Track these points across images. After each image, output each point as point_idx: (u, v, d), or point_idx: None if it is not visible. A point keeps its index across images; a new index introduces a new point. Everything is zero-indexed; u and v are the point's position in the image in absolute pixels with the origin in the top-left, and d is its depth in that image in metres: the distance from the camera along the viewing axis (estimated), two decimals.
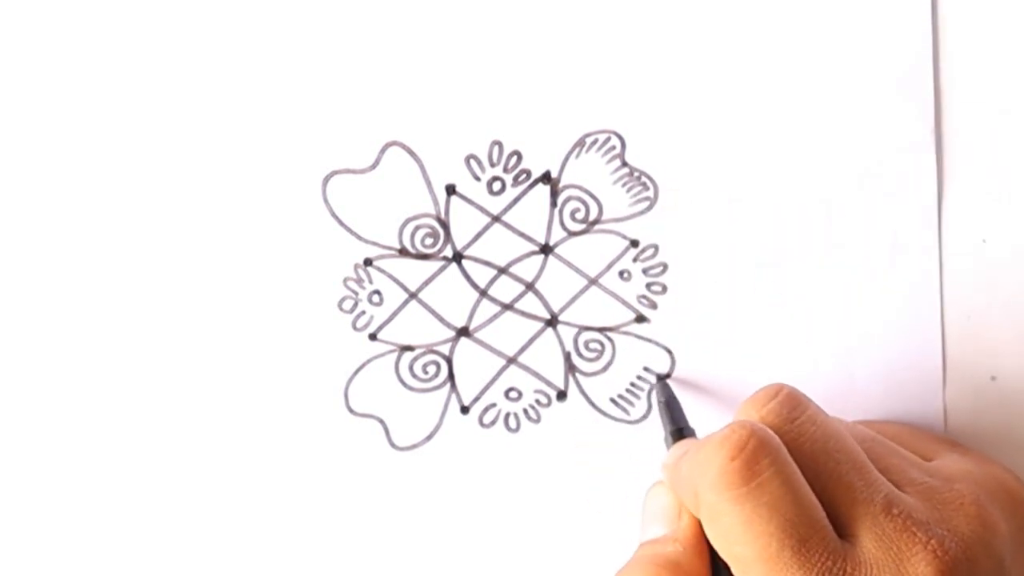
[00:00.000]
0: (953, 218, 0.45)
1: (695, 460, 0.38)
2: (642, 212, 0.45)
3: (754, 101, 0.45)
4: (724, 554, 0.37)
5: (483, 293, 0.46)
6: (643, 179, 0.45)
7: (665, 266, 0.45)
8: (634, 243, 0.45)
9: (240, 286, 0.46)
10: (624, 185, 0.45)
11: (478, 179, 0.45)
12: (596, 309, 0.46)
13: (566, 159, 0.45)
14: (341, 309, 0.46)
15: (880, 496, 0.38)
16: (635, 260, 0.46)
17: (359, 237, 0.46)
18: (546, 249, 0.46)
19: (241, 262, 0.46)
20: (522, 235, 0.46)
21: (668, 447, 0.42)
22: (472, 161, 0.45)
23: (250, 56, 0.45)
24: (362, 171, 0.45)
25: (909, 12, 0.44)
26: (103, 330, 0.46)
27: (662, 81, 0.45)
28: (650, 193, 0.45)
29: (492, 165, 0.45)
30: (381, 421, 0.46)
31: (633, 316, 0.46)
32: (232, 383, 0.46)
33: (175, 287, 0.46)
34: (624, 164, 0.45)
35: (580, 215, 0.45)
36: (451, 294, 0.46)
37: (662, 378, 0.46)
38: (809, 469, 0.37)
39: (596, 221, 0.46)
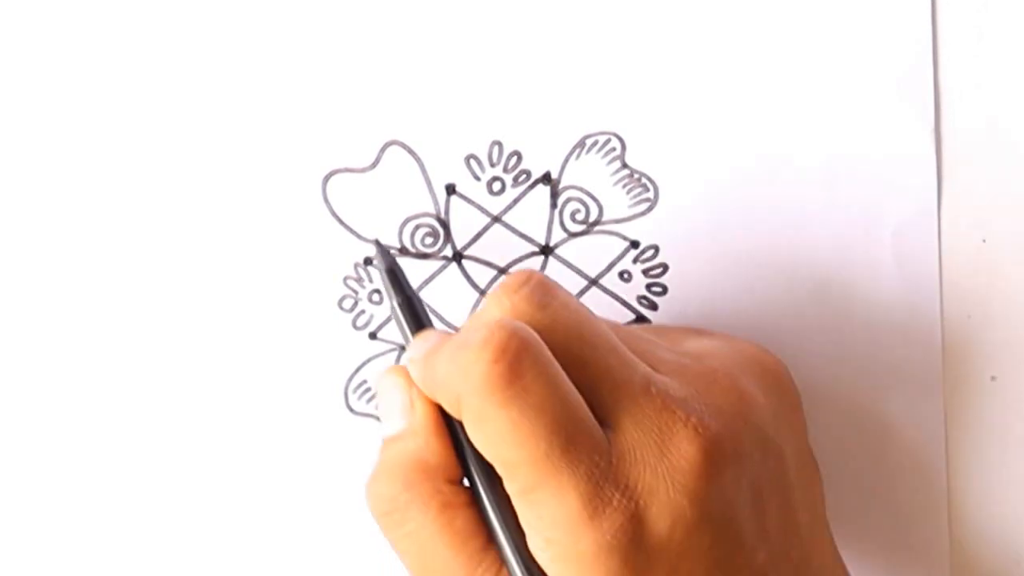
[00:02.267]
0: (953, 218, 0.45)
1: (454, 363, 0.36)
2: (642, 213, 0.45)
3: (754, 102, 0.45)
4: (490, 457, 0.36)
5: (483, 293, 0.46)
6: (643, 181, 0.45)
7: (665, 267, 0.45)
8: (634, 244, 0.46)
9: (240, 285, 0.46)
10: (624, 187, 0.45)
11: (478, 179, 0.45)
12: (596, 310, 0.45)
13: (566, 160, 0.45)
14: (341, 308, 0.46)
15: (638, 376, 0.37)
16: (635, 261, 0.46)
17: (359, 236, 0.46)
18: (546, 250, 0.46)
19: (241, 261, 0.46)
20: (522, 236, 0.46)
21: (398, 319, 0.41)
22: (472, 161, 0.45)
23: (250, 56, 0.45)
24: (362, 170, 0.45)
25: (909, 12, 0.44)
26: (101, 328, 0.46)
27: (662, 82, 0.45)
28: (650, 195, 0.45)
29: (492, 165, 0.45)
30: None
31: (633, 317, 0.46)
32: (232, 382, 0.46)
33: (175, 286, 0.46)
34: (624, 166, 0.45)
35: (580, 216, 0.46)
36: (451, 294, 0.46)
37: (379, 243, 0.44)
38: (565, 356, 0.36)
39: (596, 222, 0.46)
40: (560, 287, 0.38)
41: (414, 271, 0.46)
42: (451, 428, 0.38)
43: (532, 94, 0.45)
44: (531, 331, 0.36)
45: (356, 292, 0.46)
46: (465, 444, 0.38)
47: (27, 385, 0.46)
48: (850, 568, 0.42)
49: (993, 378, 0.46)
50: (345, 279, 0.46)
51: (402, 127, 0.45)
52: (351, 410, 0.46)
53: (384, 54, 0.45)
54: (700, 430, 0.36)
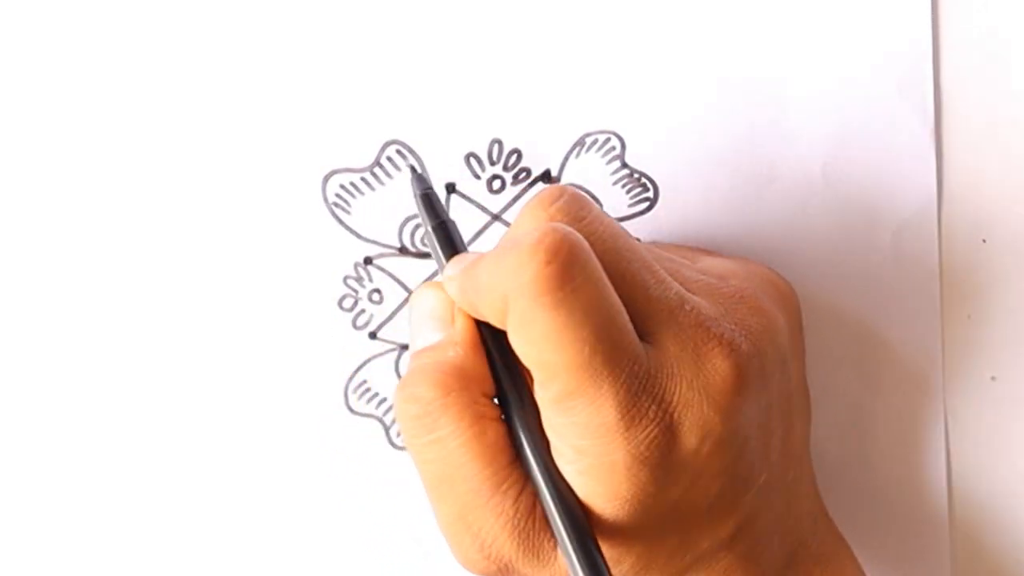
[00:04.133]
0: (953, 218, 0.45)
1: (502, 266, 0.35)
2: (642, 213, 0.45)
3: (754, 102, 0.45)
4: (530, 361, 0.36)
5: None
6: (643, 180, 0.45)
7: None
8: None
9: (240, 285, 0.46)
10: (624, 186, 0.45)
11: (478, 177, 0.45)
12: None
13: (566, 159, 0.45)
14: (341, 308, 0.46)
15: (672, 293, 0.37)
16: None
17: (359, 236, 0.46)
18: None
19: (241, 261, 0.46)
20: None
21: (433, 243, 0.40)
22: (472, 159, 0.45)
23: (250, 56, 0.45)
24: (362, 170, 0.46)
25: (909, 12, 0.45)
26: (101, 328, 0.46)
27: (662, 82, 0.45)
28: (650, 194, 0.45)
29: (492, 163, 0.45)
30: (381, 420, 0.46)
31: None
32: (232, 382, 0.46)
33: (175, 286, 0.46)
34: (624, 166, 0.45)
35: None
36: None
37: (414, 170, 0.44)
38: (604, 269, 0.36)
39: None
40: (594, 203, 0.38)
41: (414, 270, 0.46)
42: (485, 344, 0.38)
43: (532, 92, 0.45)
44: (580, 236, 0.35)
45: (356, 292, 0.46)
46: (497, 359, 0.38)
47: (27, 385, 0.46)
48: None
49: (993, 378, 0.46)
50: (345, 279, 0.46)
51: (402, 126, 0.45)
52: (351, 410, 0.46)
53: (384, 54, 0.45)
54: (733, 346, 0.37)
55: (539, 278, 0.34)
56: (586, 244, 0.35)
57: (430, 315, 0.39)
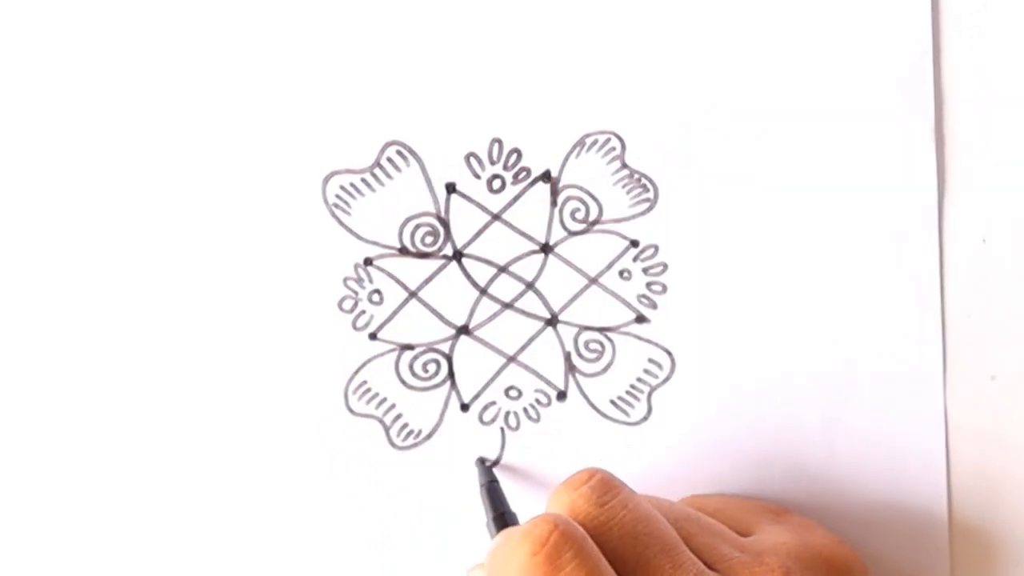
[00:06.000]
0: (953, 218, 0.45)
1: (502, 552, 0.38)
2: (642, 213, 0.45)
3: (754, 102, 0.45)
4: None
5: (483, 292, 0.46)
6: (643, 181, 0.45)
7: (665, 266, 0.45)
8: (634, 243, 0.45)
9: (240, 286, 0.46)
10: (624, 187, 0.45)
11: (478, 177, 0.45)
12: (596, 309, 0.46)
13: (566, 159, 0.45)
14: (341, 309, 0.46)
15: None
16: (635, 260, 0.46)
17: (359, 236, 0.46)
18: (546, 248, 0.46)
19: (241, 262, 0.46)
20: (522, 234, 0.46)
21: (491, 532, 0.43)
22: (472, 159, 0.45)
23: (250, 56, 0.45)
24: (362, 170, 0.45)
25: (909, 12, 0.45)
26: (101, 329, 0.46)
27: (662, 82, 0.45)
28: (650, 195, 0.45)
29: (492, 163, 0.45)
30: (381, 421, 0.46)
31: (633, 316, 0.46)
32: (232, 383, 0.46)
33: (176, 287, 0.46)
34: (624, 166, 0.45)
35: (580, 215, 0.46)
36: (451, 293, 0.46)
37: (484, 462, 0.46)
38: (617, 554, 0.38)
39: (596, 221, 0.46)
40: (623, 486, 0.40)
41: (414, 270, 0.46)
42: None
43: (532, 92, 0.45)
44: (575, 526, 0.38)
45: (356, 293, 0.46)
46: None
47: (26, 385, 0.46)
48: None
49: (993, 377, 0.46)
50: (345, 280, 0.46)
51: (402, 126, 0.45)
52: (351, 411, 0.46)
53: (384, 54, 0.45)
54: None
55: (527, 568, 0.37)
56: (580, 533, 0.37)
57: None
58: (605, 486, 0.39)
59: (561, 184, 0.45)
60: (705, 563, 0.39)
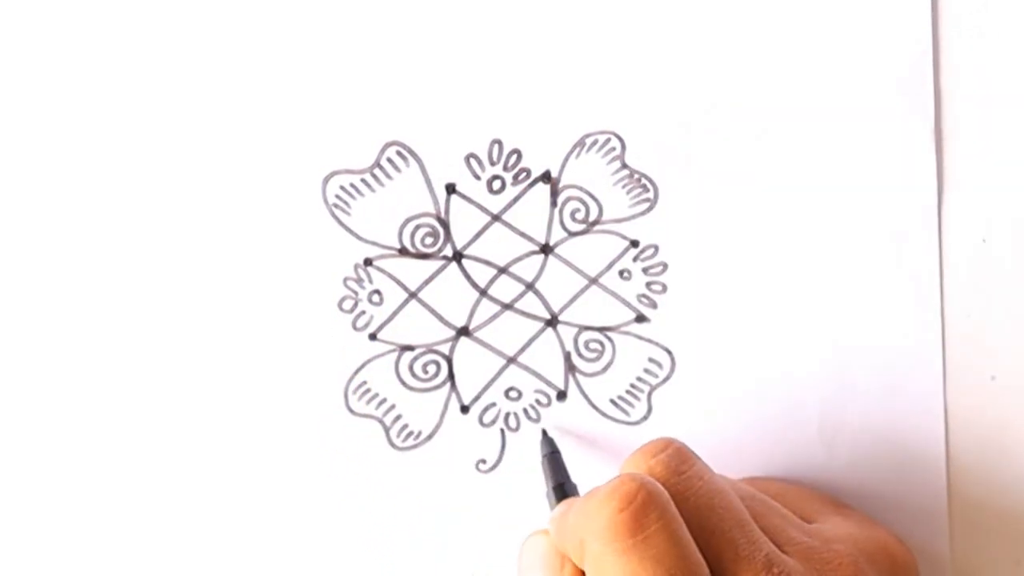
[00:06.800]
0: (953, 218, 0.45)
1: (583, 509, 0.38)
2: (642, 213, 0.45)
3: (754, 102, 0.45)
4: None
5: (483, 293, 0.46)
6: (643, 181, 0.45)
7: (665, 266, 0.45)
8: (634, 243, 0.45)
9: (240, 286, 0.46)
10: (624, 187, 0.45)
11: (478, 178, 0.45)
12: (596, 309, 0.46)
13: (566, 159, 0.45)
14: (341, 309, 0.46)
15: (761, 555, 0.38)
16: (635, 260, 0.46)
17: (359, 237, 0.46)
18: (546, 249, 0.46)
19: (241, 262, 0.46)
20: (522, 235, 0.46)
21: (550, 501, 0.43)
22: (472, 160, 0.45)
23: (250, 56, 0.45)
24: (362, 171, 0.45)
25: (909, 12, 0.45)
26: (102, 329, 0.46)
27: (662, 82, 0.45)
28: (650, 195, 0.45)
29: (492, 164, 0.45)
30: (381, 421, 0.46)
31: (633, 316, 0.46)
32: (232, 383, 0.46)
33: (176, 287, 0.46)
34: (624, 166, 0.45)
35: (580, 215, 0.46)
36: (451, 293, 0.46)
37: (546, 433, 0.46)
38: (693, 523, 0.38)
39: (596, 222, 0.46)
40: (697, 457, 0.39)
41: (414, 271, 0.46)
42: None
43: (532, 93, 0.45)
44: (660, 487, 0.37)
45: (356, 293, 0.46)
46: None
47: (26, 386, 0.46)
48: None
49: (993, 378, 0.46)
50: (345, 280, 0.46)
51: (402, 127, 0.45)
52: (351, 411, 0.46)
53: (384, 54, 0.45)
54: None
55: (611, 524, 0.36)
56: (665, 496, 0.37)
57: (538, 561, 0.41)
58: (681, 455, 0.39)
59: (561, 184, 0.45)
60: (774, 544, 0.39)
